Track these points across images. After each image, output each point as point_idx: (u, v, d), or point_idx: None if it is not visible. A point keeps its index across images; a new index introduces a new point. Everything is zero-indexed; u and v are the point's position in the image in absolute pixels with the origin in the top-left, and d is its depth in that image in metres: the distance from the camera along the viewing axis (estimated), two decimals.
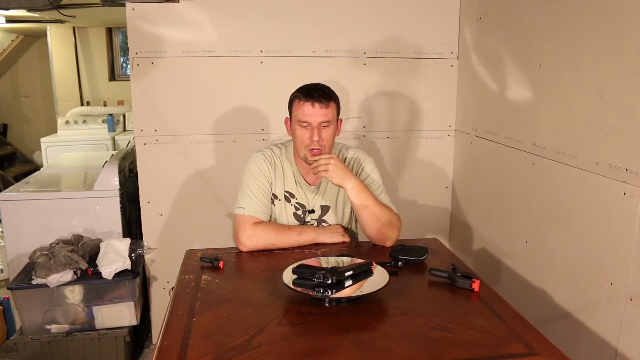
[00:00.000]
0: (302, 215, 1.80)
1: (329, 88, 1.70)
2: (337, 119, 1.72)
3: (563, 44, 1.72)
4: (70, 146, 4.23)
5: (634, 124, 1.40)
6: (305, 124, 1.66)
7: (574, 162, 1.66)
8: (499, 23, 2.15)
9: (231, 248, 1.73)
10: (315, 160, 1.64)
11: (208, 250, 1.71)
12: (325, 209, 1.81)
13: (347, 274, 1.31)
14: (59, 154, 3.76)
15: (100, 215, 2.49)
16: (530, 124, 1.92)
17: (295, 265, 1.40)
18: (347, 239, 1.76)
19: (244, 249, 1.68)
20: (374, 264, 1.41)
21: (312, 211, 1.81)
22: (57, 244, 2.30)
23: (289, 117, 1.75)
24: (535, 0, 1.87)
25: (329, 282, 1.26)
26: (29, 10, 2.96)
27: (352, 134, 2.53)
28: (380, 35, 2.46)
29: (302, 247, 1.69)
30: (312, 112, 1.64)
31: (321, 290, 1.26)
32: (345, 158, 1.83)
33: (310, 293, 1.28)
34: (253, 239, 1.67)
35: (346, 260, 1.50)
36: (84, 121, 4.59)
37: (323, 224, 1.82)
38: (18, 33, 5.13)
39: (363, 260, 1.43)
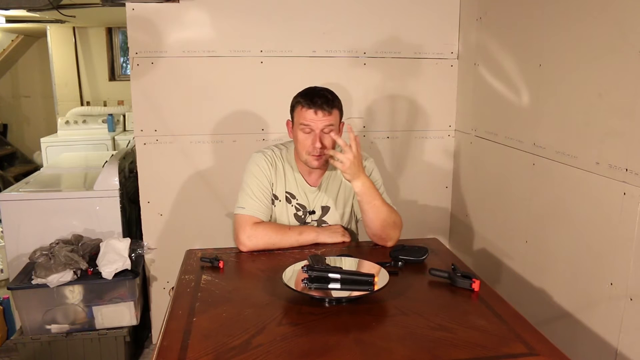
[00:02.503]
0: (302, 216, 1.80)
1: (332, 93, 1.69)
2: (340, 123, 1.72)
3: (563, 44, 1.71)
4: (70, 146, 4.22)
5: (634, 124, 1.40)
6: (307, 130, 1.66)
7: (574, 162, 1.66)
8: (499, 23, 2.15)
9: (231, 248, 1.73)
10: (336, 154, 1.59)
11: (208, 250, 1.71)
12: (325, 210, 1.81)
13: (331, 275, 1.31)
14: (59, 154, 3.75)
15: (100, 215, 2.49)
16: (530, 124, 1.92)
17: (311, 255, 1.44)
18: (347, 238, 1.76)
19: (244, 249, 1.68)
20: (376, 279, 1.33)
21: (313, 212, 1.80)
22: (57, 244, 2.30)
23: (290, 119, 1.75)
24: (535, 0, 1.87)
25: (311, 276, 1.30)
26: (29, 10, 2.96)
27: None
28: (380, 35, 2.46)
29: (302, 247, 1.69)
30: (315, 119, 1.63)
31: (305, 282, 1.31)
32: None
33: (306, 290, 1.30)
34: (253, 239, 1.67)
35: (349, 262, 1.50)
36: (84, 121, 4.59)
37: (323, 224, 1.82)
38: (18, 33, 5.13)
39: (371, 268, 1.43)
